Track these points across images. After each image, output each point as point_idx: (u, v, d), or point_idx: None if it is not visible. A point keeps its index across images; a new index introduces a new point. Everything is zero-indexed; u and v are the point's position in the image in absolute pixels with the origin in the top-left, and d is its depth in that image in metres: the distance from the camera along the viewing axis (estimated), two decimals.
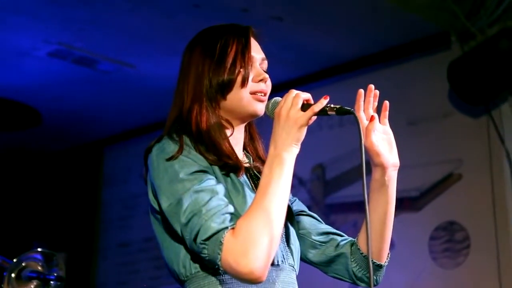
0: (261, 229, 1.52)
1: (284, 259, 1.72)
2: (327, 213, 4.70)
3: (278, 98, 1.71)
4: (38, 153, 6.40)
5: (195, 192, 1.59)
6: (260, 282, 1.54)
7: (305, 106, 1.63)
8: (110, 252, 6.08)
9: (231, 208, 1.59)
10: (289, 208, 1.85)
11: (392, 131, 1.80)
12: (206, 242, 1.54)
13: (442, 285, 4.17)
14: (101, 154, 6.30)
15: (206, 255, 1.54)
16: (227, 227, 1.53)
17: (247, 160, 1.84)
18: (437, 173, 4.31)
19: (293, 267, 1.76)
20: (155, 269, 5.58)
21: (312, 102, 1.65)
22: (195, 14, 4.09)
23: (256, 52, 1.80)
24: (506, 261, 3.97)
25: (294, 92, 1.65)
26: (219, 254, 1.52)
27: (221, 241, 1.52)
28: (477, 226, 4.12)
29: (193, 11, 4.08)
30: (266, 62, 1.82)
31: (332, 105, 1.64)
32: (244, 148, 1.86)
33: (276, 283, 1.68)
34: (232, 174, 1.71)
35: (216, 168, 1.69)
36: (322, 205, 4.73)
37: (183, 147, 1.65)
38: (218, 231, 1.53)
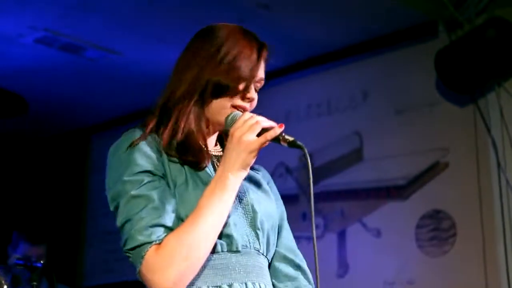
0: (184, 250, 1.57)
1: (249, 243, 1.72)
2: (315, 201, 4.70)
3: (237, 114, 1.72)
4: (24, 141, 6.37)
5: (132, 198, 1.63)
6: None
7: (260, 131, 1.64)
8: (97, 240, 6.07)
9: (163, 220, 1.61)
10: (271, 193, 1.87)
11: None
12: (131, 252, 1.61)
13: (429, 273, 4.19)
14: (88, 141, 6.27)
15: (131, 263, 1.63)
16: (151, 242, 1.58)
17: (220, 149, 1.84)
18: (424, 161, 4.32)
19: (259, 251, 1.75)
20: None
21: (270, 126, 1.65)
22: (183, 1, 4.07)
23: (260, 71, 1.79)
24: (491, 249, 4.00)
25: (255, 118, 1.66)
26: (138, 266, 1.60)
27: (142, 256, 1.59)
28: (463, 214, 4.14)
29: None
30: (262, 82, 1.81)
31: (286, 136, 1.66)
32: (221, 136, 1.86)
33: (236, 268, 1.69)
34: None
35: (174, 161, 1.70)
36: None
37: (135, 144, 1.69)
38: (142, 244, 1.59)
